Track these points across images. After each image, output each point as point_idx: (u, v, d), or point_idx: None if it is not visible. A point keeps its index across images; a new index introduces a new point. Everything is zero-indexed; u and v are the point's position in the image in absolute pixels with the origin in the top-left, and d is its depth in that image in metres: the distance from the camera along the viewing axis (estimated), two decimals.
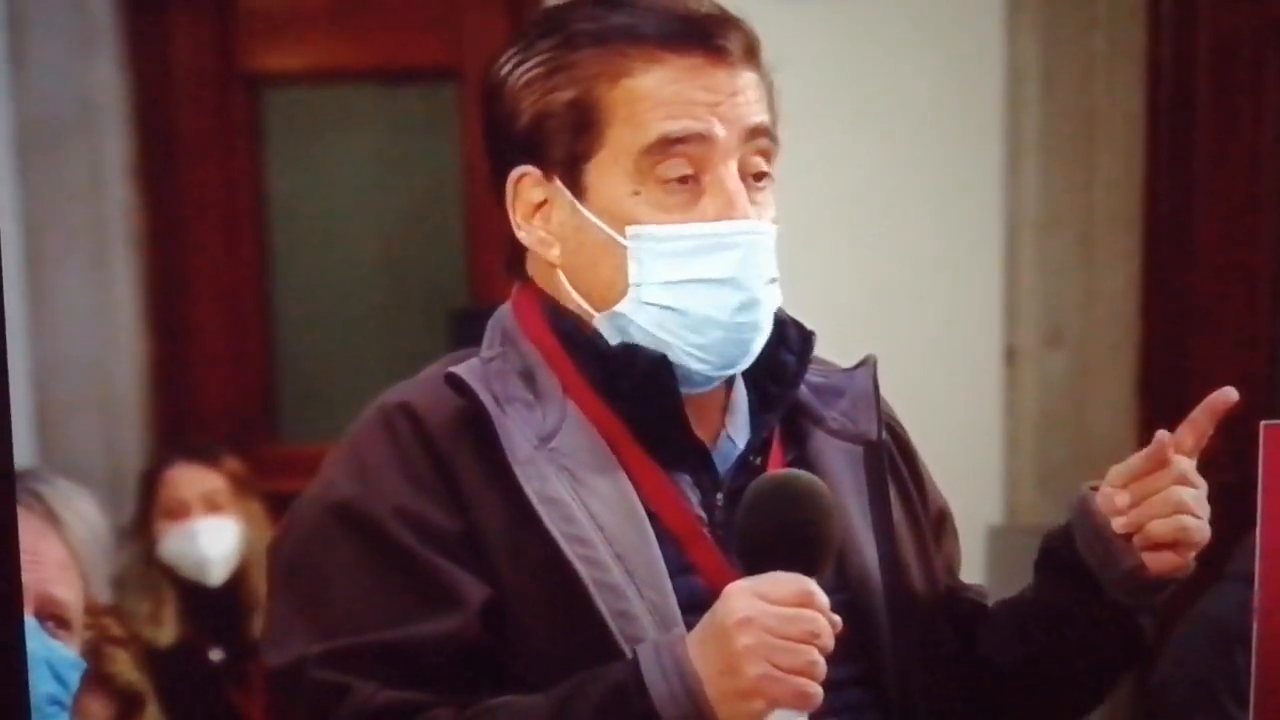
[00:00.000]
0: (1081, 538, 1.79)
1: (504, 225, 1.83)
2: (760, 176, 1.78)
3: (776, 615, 1.58)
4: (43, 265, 4.99)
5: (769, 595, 1.59)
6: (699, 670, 1.60)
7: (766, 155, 1.79)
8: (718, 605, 1.61)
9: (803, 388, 1.87)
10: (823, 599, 1.60)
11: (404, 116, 5.19)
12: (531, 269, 1.84)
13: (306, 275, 5.26)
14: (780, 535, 1.63)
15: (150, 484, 4.11)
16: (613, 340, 1.78)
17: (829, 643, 1.59)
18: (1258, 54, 4.55)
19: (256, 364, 5.27)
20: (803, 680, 1.57)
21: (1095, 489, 1.78)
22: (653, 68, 1.73)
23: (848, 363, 1.94)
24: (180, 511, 4.02)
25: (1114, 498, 1.74)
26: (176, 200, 5.17)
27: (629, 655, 1.65)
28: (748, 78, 1.77)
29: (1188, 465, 1.73)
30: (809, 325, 1.88)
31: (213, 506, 4.03)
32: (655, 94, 1.73)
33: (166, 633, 3.93)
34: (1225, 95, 4.59)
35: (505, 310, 1.86)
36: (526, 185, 1.79)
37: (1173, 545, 1.72)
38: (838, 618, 1.61)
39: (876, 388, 1.90)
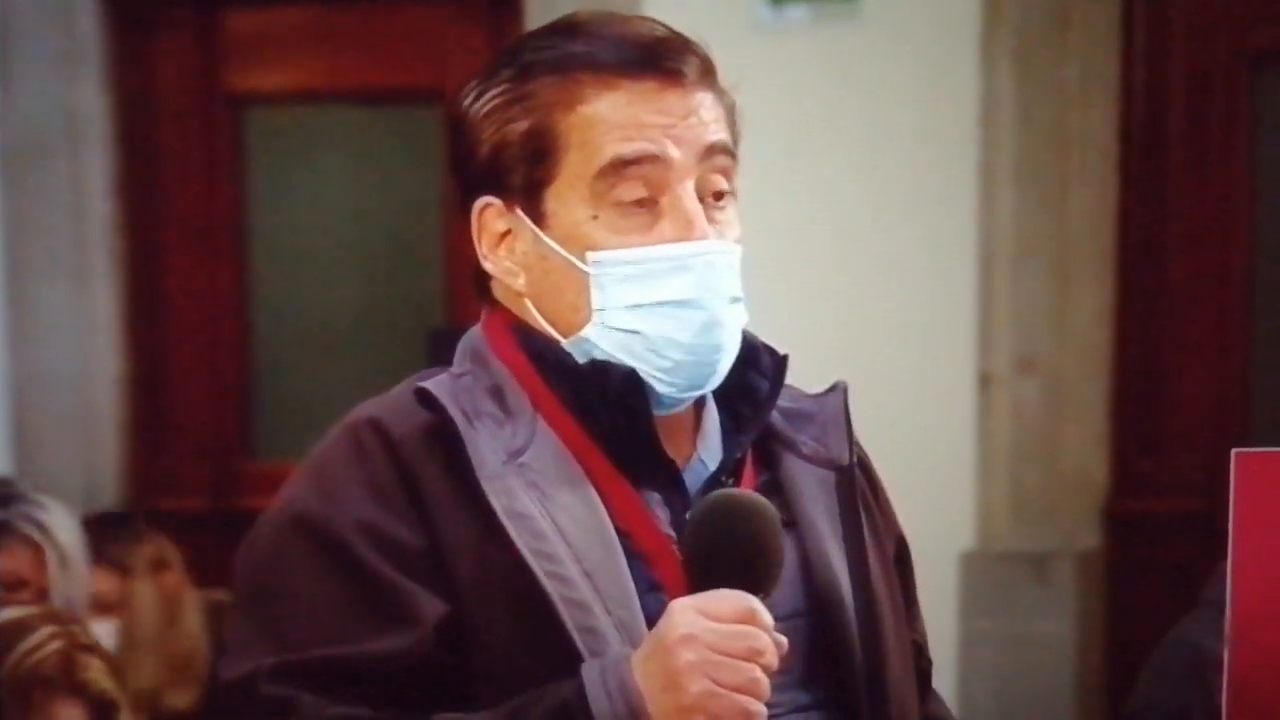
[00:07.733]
0: None
1: (474, 250, 1.82)
2: (720, 195, 1.77)
3: (718, 631, 1.58)
4: (24, 279, 5.02)
5: (712, 612, 1.59)
6: (641, 688, 1.59)
7: (726, 174, 1.77)
8: (661, 622, 1.60)
9: (774, 413, 1.84)
10: (766, 617, 1.60)
11: (385, 137, 5.22)
12: (499, 294, 1.82)
13: (285, 293, 5.27)
14: (726, 552, 1.63)
15: None
16: (581, 361, 1.77)
17: (772, 661, 1.59)
18: (1230, 85, 4.59)
19: (235, 381, 5.28)
20: (745, 698, 1.58)
21: None
22: (607, 93, 1.73)
23: (822, 389, 1.91)
24: None
25: None
26: (158, 218, 5.20)
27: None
28: (703, 98, 1.75)
29: None
30: (783, 350, 1.85)
31: None
32: (609, 118, 1.72)
33: None
34: (1197, 126, 4.62)
35: (475, 332, 1.83)
36: (490, 216, 1.78)
37: None
38: (783, 638, 1.61)
39: (848, 413, 1.86)
